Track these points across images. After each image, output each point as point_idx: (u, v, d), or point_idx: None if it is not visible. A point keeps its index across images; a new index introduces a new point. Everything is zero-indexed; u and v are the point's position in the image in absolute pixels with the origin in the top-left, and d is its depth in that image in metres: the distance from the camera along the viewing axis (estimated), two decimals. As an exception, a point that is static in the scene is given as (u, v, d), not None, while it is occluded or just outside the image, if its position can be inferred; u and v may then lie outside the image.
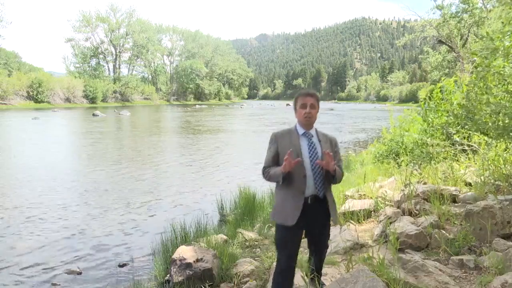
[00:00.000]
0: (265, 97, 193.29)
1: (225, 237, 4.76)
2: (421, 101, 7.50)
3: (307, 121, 2.55)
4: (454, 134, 6.03)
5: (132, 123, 28.97)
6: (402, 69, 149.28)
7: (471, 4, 21.49)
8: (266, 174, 2.60)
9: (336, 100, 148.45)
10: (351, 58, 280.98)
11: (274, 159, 2.59)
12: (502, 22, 4.84)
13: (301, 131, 2.59)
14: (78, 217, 6.41)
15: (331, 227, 2.88)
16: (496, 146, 4.98)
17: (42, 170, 10.20)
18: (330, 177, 2.52)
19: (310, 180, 2.50)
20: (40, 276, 4.32)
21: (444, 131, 6.41)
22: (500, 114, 4.30)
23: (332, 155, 2.49)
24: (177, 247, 4.00)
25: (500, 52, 4.36)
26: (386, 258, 3.04)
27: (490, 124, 4.49)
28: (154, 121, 32.85)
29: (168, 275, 3.76)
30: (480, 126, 4.74)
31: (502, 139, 4.59)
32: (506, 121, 4.25)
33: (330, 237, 4.16)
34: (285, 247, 2.58)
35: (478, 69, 4.64)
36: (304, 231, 2.64)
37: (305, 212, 2.49)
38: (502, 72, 4.36)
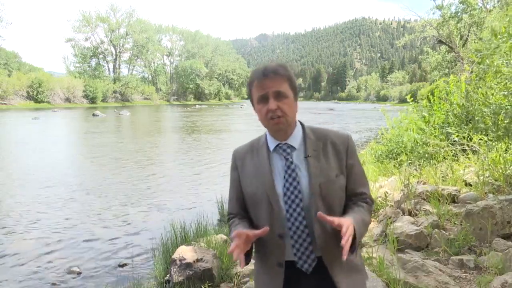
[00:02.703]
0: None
1: (225, 237, 4.76)
2: (411, 104, 7.63)
3: (276, 127, 1.36)
4: (453, 134, 6.03)
5: (132, 123, 28.98)
6: (402, 69, 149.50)
7: (469, 5, 21.53)
8: (230, 228, 1.48)
9: (336, 100, 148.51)
10: (351, 58, 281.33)
11: (239, 201, 1.47)
12: (504, 27, 4.85)
13: (272, 143, 1.41)
14: (78, 217, 6.41)
15: None
16: (496, 146, 4.98)
17: (42, 170, 10.20)
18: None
19: (288, 238, 1.35)
20: (40, 276, 4.31)
21: (444, 130, 6.42)
22: (501, 115, 4.30)
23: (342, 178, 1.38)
24: (177, 247, 4.00)
25: (503, 50, 4.38)
26: (386, 258, 3.04)
27: (490, 124, 4.50)
28: (154, 121, 32.86)
29: (168, 275, 3.76)
30: (480, 127, 4.75)
31: (503, 141, 4.60)
32: (506, 121, 4.26)
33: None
34: None
35: (480, 67, 4.65)
36: None
37: None
38: (503, 70, 4.36)
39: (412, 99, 7.72)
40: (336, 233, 1.29)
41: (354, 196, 1.41)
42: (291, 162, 1.36)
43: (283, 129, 1.37)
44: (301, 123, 1.45)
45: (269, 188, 1.36)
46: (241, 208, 1.47)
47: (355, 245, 1.29)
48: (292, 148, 1.39)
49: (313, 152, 1.38)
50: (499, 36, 4.46)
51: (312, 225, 1.33)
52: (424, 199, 4.50)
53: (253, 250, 1.44)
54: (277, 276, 1.37)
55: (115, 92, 68.88)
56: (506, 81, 4.40)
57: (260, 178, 1.38)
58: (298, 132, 1.42)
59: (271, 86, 1.32)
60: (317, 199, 1.33)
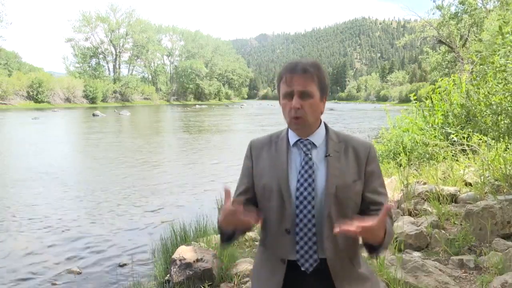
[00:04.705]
0: (265, 97, 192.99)
1: (225, 237, 4.75)
2: (413, 103, 7.65)
3: (295, 126, 1.34)
4: (453, 134, 6.03)
5: (132, 123, 28.99)
6: (402, 69, 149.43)
7: (469, 6, 21.55)
8: None
9: (336, 100, 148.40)
10: (351, 58, 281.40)
11: (247, 191, 1.43)
12: (504, 22, 4.85)
13: (293, 138, 1.39)
14: (78, 217, 6.40)
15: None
16: (496, 146, 4.98)
17: (42, 170, 10.20)
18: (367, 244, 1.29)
19: (294, 235, 1.32)
20: (40, 276, 4.31)
21: (444, 130, 6.42)
22: (501, 116, 4.30)
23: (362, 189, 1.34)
24: (177, 247, 4.00)
25: (501, 50, 4.37)
26: (386, 258, 3.04)
27: (490, 125, 4.50)
28: (154, 121, 32.87)
29: (168, 275, 3.76)
30: (481, 127, 4.75)
31: (503, 140, 4.60)
32: (507, 121, 4.26)
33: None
34: None
35: (479, 67, 4.65)
36: None
37: None
38: (503, 70, 4.35)
39: (415, 97, 7.73)
40: (346, 238, 1.27)
41: (373, 205, 1.34)
42: (310, 159, 1.33)
43: (301, 128, 1.35)
44: (325, 124, 1.42)
45: (283, 181, 1.33)
46: (247, 199, 1.41)
47: (377, 250, 1.27)
48: (313, 145, 1.36)
49: (334, 153, 1.34)
50: (506, 35, 4.44)
51: (321, 225, 1.30)
52: (424, 199, 4.50)
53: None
54: (278, 272, 1.34)
55: (115, 92, 68.86)
56: (506, 81, 4.40)
57: (275, 170, 1.36)
58: (321, 131, 1.39)
59: (298, 84, 1.29)
60: (332, 200, 1.29)
